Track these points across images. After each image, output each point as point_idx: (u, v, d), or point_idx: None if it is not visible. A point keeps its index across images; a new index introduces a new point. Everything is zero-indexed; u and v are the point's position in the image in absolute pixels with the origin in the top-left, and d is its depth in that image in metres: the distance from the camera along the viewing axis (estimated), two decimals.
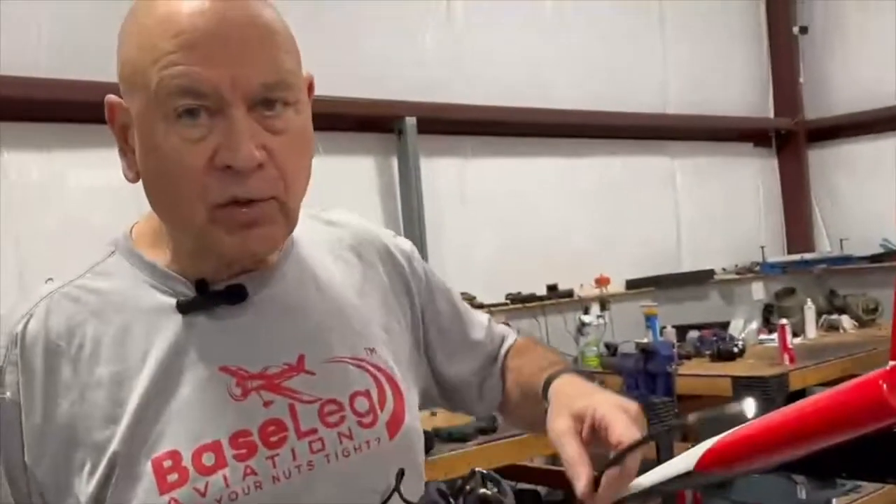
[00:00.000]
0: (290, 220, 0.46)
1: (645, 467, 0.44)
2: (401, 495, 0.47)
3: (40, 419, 0.43)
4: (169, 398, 0.45)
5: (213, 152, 0.40)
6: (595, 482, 0.40)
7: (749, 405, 0.39)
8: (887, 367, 0.23)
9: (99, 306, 0.47)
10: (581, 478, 0.42)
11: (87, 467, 0.43)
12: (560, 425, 0.46)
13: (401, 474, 0.47)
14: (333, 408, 0.49)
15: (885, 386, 0.23)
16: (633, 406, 0.47)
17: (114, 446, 0.43)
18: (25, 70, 1.63)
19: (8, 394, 0.43)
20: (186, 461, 0.44)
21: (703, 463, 0.37)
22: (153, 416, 0.44)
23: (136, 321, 0.47)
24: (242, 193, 0.41)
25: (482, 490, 1.63)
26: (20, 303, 0.47)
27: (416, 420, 0.55)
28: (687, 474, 0.39)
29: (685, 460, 0.40)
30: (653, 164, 3.08)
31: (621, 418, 0.43)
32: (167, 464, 0.44)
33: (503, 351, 0.66)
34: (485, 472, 1.86)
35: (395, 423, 0.51)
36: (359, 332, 0.53)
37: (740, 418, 0.37)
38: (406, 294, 0.59)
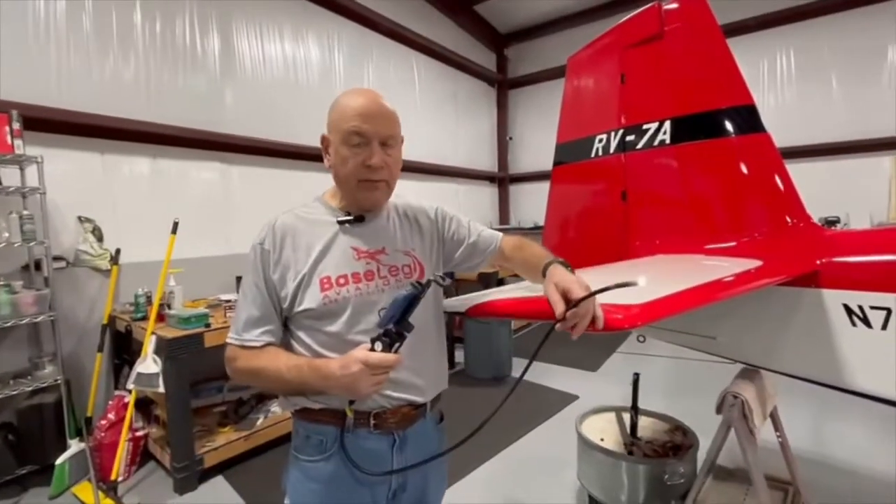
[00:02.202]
0: (390, 192, 1.04)
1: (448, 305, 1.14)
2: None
3: (277, 257, 0.96)
4: (328, 255, 0.98)
5: (364, 158, 0.94)
6: (564, 313, 0.80)
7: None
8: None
9: (305, 218, 1.01)
10: (559, 306, 0.83)
11: (293, 277, 0.95)
12: (550, 288, 0.87)
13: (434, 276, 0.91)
14: (395, 268, 1.02)
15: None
16: (584, 281, 0.85)
17: (304, 270, 0.95)
18: None
19: (268, 247, 0.97)
20: (333, 280, 0.95)
21: (467, 313, 1.13)
22: (321, 261, 0.96)
23: (319, 226, 1.00)
24: (373, 176, 0.96)
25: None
26: (274, 215, 1.01)
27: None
28: (462, 313, 1.13)
29: (462, 307, 1.14)
30: (443, 187, 6.55)
31: (577, 286, 0.83)
32: (325, 280, 0.95)
33: (494, 245, 1.18)
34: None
35: (420, 278, 1.05)
36: (408, 241, 1.08)
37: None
38: (430, 226, 1.14)
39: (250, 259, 0.98)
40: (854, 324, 1.37)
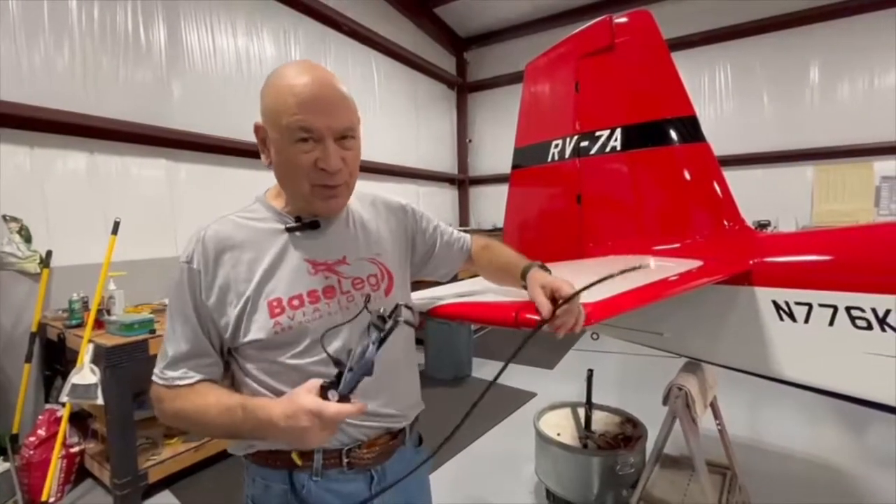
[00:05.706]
0: (350, 194, 0.85)
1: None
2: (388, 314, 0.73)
3: (211, 278, 0.78)
4: (277, 271, 0.81)
5: (316, 159, 0.75)
6: (552, 312, 0.77)
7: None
8: (521, 302, 0.83)
9: (244, 226, 0.82)
10: (546, 307, 0.78)
11: (234, 302, 0.78)
12: (537, 290, 0.81)
13: (396, 306, 0.73)
14: (359, 281, 0.87)
15: (515, 314, 0.83)
16: (568, 281, 0.80)
17: (248, 293, 0.78)
18: None
19: (195, 265, 0.79)
20: (285, 303, 0.78)
21: (429, 313, 1.03)
22: (268, 280, 0.80)
23: (264, 235, 0.82)
24: (330, 182, 0.78)
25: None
26: (204, 223, 0.82)
27: (402, 288, 0.96)
28: (424, 313, 1.01)
29: (427, 306, 1.01)
30: (403, 188, 6.73)
31: (564, 286, 0.79)
32: (275, 303, 0.78)
33: (465, 251, 1.09)
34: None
35: (389, 288, 0.91)
36: (373, 245, 0.92)
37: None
38: (400, 226, 1.00)
39: (175, 281, 0.81)
40: (781, 318, 1.49)
